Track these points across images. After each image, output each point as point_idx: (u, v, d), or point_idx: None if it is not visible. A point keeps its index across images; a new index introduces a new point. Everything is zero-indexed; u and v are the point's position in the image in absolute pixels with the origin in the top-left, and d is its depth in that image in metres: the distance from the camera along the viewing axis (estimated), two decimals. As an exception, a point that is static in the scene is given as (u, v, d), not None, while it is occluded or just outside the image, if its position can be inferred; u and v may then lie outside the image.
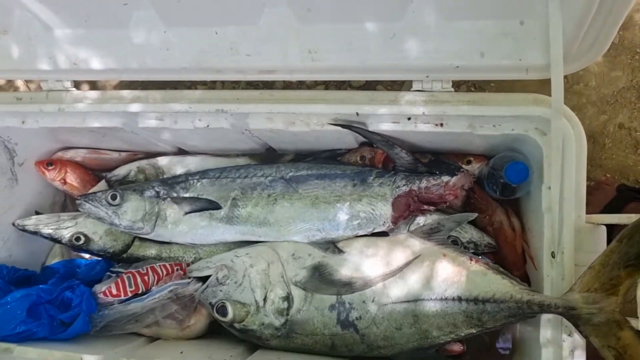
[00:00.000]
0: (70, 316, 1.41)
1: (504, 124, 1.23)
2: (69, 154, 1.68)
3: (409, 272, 1.31)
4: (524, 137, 1.24)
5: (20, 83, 1.94)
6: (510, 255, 1.39)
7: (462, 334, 1.26)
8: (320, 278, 1.36)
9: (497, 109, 1.18)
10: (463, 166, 1.45)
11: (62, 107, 1.34)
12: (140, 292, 1.45)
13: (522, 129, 1.22)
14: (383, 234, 1.42)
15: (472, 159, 1.47)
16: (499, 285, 1.22)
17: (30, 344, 1.36)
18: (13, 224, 1.54)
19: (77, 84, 1.41)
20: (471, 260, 1.28)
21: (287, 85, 1.57)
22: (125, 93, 1.33)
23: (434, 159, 1.46)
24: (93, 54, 1.25)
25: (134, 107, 1.30)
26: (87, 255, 1.64)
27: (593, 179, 1.67)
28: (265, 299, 1.37)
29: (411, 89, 1.23)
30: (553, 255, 1.17)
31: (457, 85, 1.24)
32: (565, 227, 1.14)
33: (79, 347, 1.36)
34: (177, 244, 1.56)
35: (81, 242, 1.54)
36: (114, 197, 1.49)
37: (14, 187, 1.56)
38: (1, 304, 1.38)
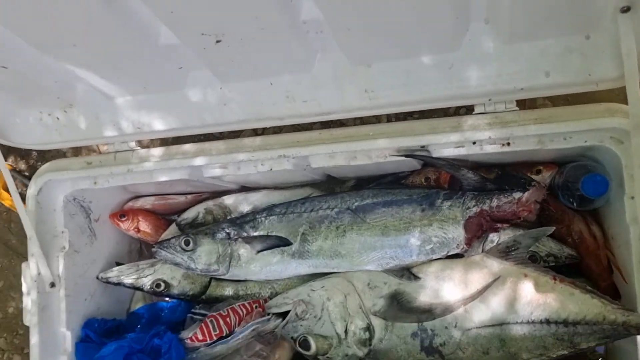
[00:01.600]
0: (162, 363, 1.47)
1: (576, 137, 1.18)
2: (139, 203, 1.73)
3: (490, 295, 1.28)
4: (599, 147, 1.19)
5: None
6: (595, 265, 1.34)
7: (554, 356, 1.23)
8: (399, 306, 1.35)
9: (567, 124, 1.13)
10: (533, 177, 1.40)
11: (131, 168, 1.39)
12: (224, 334, 1.49)
13: (596, 139, 1.17)
14: (457, 255, 1.40)
15: (541, 168, 1.41)
16: (589, 305, 1.18)
17: (128, 394, 1.43)
18: (97, 278, 1.61)
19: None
20: (555, 279, 1.24)
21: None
22: (189, 147, 1.36)
23: (501, 173, 1.42)
24: (154, 116, 1.29)
25: (199, 161, 1.33)
26: (167, 298, 1.70)
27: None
28: (346, 331, 1.38)
29: (473, 112, 1.20)
30: (645, 270, 1.12)
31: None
32: (656, 241, 1.08)
33: (173, 393, 1.42)
34: (252, 281, 1.59)
35: (161, 288, 1.59)
36: (187, 243, 1.52)
37: (94, 243, 1.63)
38: (98, 358, 1.46)
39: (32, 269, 1.46)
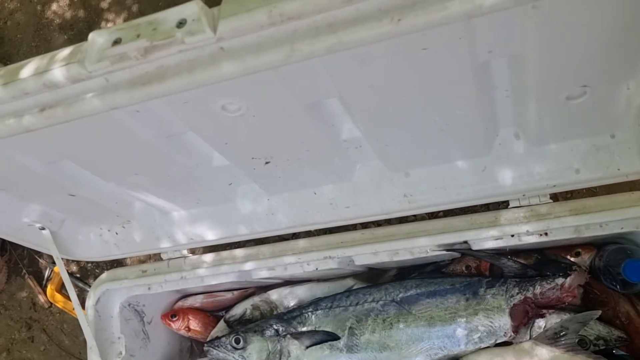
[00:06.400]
0: None
1: (612, 225, 1.22)
2: (188, 302, 1.80)
3: (543, 384, 1.28)
4: (636, 232, 1.22)
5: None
6: (646, 346, 1.33)
7: None
8: (450, 396, 1.36)
9: (602, 214, 1.18)
10: (572, 259, 1.42)
11: (184, 275, 1.47)
12: None
13: (632, 226, 1.20)
14: (505, 342, 1.41)
15: (580, 250, 1.44)
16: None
17: None
18: (152, 382, 1.66)
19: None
20: (607, 366, 1.24)
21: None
22: (238, 252, 1.44)
23: (540, 258, 1.45)
24: (206, 227, 1.38)
25: (248, 266, 1.40)
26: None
27: None
28: None
29: (509, 207, 1.25)
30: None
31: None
32: None
33: None
34: (303, 376, 1.61)
35: (217, 388, 1.62)
36: (237, 341, 1.56)
37: (148, 345, 1.69)
38: None
39: (92, 378, 1.51)
